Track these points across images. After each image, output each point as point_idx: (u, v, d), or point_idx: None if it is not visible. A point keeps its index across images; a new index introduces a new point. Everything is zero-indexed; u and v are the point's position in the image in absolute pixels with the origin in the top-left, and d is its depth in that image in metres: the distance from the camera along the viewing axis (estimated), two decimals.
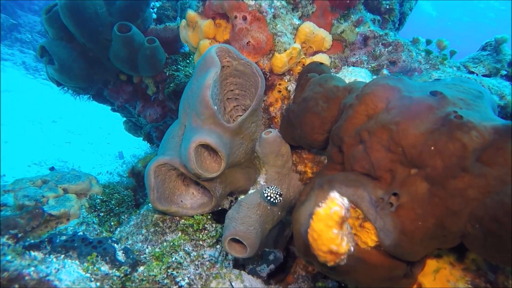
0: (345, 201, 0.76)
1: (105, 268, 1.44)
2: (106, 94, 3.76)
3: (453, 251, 1.03)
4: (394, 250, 0.90)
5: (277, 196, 1.40)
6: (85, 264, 1.41)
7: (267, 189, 1.42)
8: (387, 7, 2.03)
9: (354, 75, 1.63)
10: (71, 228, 2.22)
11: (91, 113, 12.17)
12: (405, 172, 0.92)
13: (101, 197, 2.71)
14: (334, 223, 0.74)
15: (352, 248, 0.79)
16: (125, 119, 4.73)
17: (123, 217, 2.40)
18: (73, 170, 3.12)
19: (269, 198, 1.40)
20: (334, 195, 0.75)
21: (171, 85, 3.48)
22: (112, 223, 2.31)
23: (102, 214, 2.58)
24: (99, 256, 1.45)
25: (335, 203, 0.75)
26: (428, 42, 1.92)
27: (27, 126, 10.73)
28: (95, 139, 11.48)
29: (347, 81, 1.43)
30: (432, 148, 0.84)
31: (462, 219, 0.82)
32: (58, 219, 2.45)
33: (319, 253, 0.79)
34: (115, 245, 1.59)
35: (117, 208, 2.67)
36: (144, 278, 1.49)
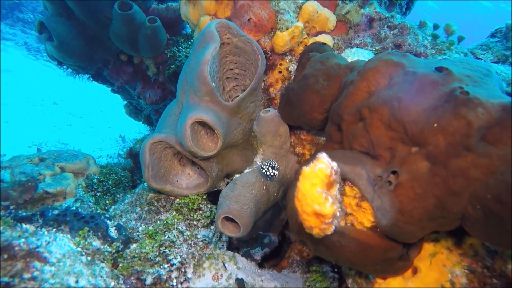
0: (334, 164, 0.73)
1: (96, 243, 1.42)
2: (106, 74, 3.71)
3: (451, 236, 1.00)
4: (391, 231, 0.87)
5: (274, 170, 1.36)
6: (77, 238, 1.39)
7: (264, 163, 1.38)
8: None
9: (357, 55, 1.58)
10: (66, 205, 2.20)
11: (92, 96, 12.12)
12: (405, 150, 0.88)
13: (98, 177, 2.70)
14: (319, 181, 0.71)
15: (338, 213, 0.76)
16: (126, 102, 4.68)
17: (118, 196, 2.39)
18: (78, 151, 3.10)
19: (265, 171, 1.36)
20: (322, 155, 0.72)
21: (172, 66, 3.42)
22: (107, 201, 2.30)
23: (99, 194, 2.57)
24: (91, 231, 1.43)
25: (321, 161, 0.71)
26: (436, 26, 1.85)
27: (28, 107, 10.69)
28: (96, 123, 11.45)
29: (349, 60, 1.38)
30: (435, 125, 0.80)
31: (463, 200, 0.78)
32: (55, 197, 2.43)
33: (304, 217, 0.76)
34: (108, 221, 1.57)
35: (114, 188, 2.66)
36: (136, 255, 1.48)
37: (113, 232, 1.53)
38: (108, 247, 1.44)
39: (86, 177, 2.75)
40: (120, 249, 1.49)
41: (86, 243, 1.38)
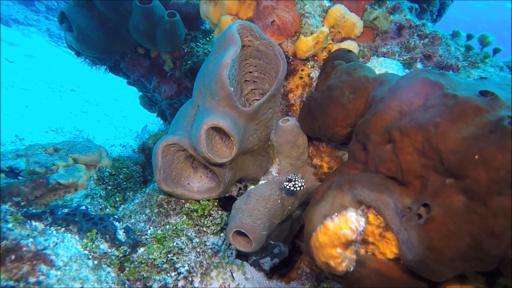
0: (361, 223, 0.67)
1: (104, 246, 1.39)
2: (123, 66, 3.69)
3: (482, 274, 0.92)
4: (417, 267, 0.79)
5: (302, 183, 1.30)
6: (85, 240, 1.37)
7: (292, 181, 1.31)
8: None
9: (385, 66, 1.49)
10: (77, 200, 2.19)
11: (108, 85, 12.25)
12: (439, 181, 0.80)
13: (110, 170, 2.69)
14: (339, 243, 0.66)
15: (352, 269, 0.70)
16: (141, 93, 4.69)
17: (128, 193, 2.37)
18: (87, 141, 3.10)
19: (290, 188, 1.30)
20: (351, 215, 0.66)
21: (189, 62, 3.38)
22: (117, 199, 2.28)
23: (109, 187, 2.56)
24: (99, 234, 1.40)
25: (348, 226, 0.66)
26: (470, 36, 1.74)
27: (47, 92, 10.88)
28: (111, 111, 11.57)
29: (377, 72, 1.30)
30: (476, 157, 0.72)
31: (504, 242, 0.70)
32: (66, 188, 2.44)
33: (316, 258, 0.71)
34: (117, 223, 1.54)
35: (124, 182, 2.64)
36: (143, 261, 1.44)
37: (121, 235, 1.50)
38: (115, 250, 1.41)
39: (98, 170, 2.75)
40: (127, 253, 1.46)
41: (94, 246, 1.35)
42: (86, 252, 1.31)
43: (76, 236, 1.38)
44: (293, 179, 1.30)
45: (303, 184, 1.31)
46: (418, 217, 0.80)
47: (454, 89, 0.85)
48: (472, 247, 0.73)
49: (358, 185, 0.89)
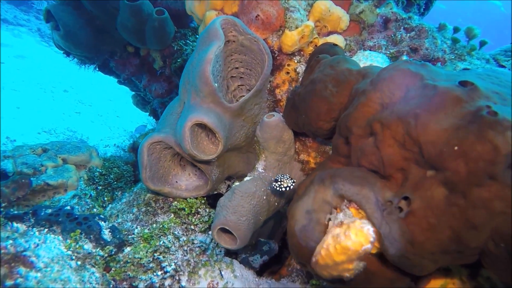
0: (374, 234, 0.67)
1: (88, 246, 1.36)
2: (113, 65, 3.65)
3: (465, 266, 0.91)
4: (399, 261, 0.78)
5: (289, 185, 1.28)
6: (68, 241, 1.34)
7: (283, 181, 1.29)
8: None
9: (370, 59, 1.48)
10: (65, 201, 2.16)
11: (102, 85, 12.15)
12: (419, 174, 0.79)
13: (100, 170, 2.66)
14: (358, 257, 0.65)
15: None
16: (133, 93, 4.65)
17: (117, 193, 2.34)
18: (80, 141, 3.06)
19: (276, 187, 1.28)
20: (369, 229, 0.65)
21: (179, 60, 3.34)
22: (105, 198, 2.25)
23: (100, 187, 2.53)
24: (83, 234, 1.38)
25: (368, 241, 0.65)
26: (456, 29, 1.73)
27: (39, 93, 10.76)
28: (104, 111, 11.48)
29: (361, 65, 1.28)
30: (456, 148, 0.71)
31: (484, 234, 0.69)
32: (56, 189, 2.41)
33: (323, 273, 0.70)
34: (102, 223, 1.52)
35: (115, 182, 2.61)
36: (129, 260, 1.42)
37: (106, 234, 1.48)
38: (100, 250, 1.38)
39: (88, 170, 2.72)
40: (113, 252, 1.44)
41: (77, 246, 1.33)
42: (70, 252, 1.29)
43: (60, 237, 1.35)
44: (279, 179, 1.29)
45: (290, 184, 1.29)
46: (399, 210, 0.78)
47: (434, 79, 0.84)
48: (452, 240, 0.72)
49: (339, 179, 0.87)
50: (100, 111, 11.64)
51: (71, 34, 3.10)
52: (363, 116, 0.94)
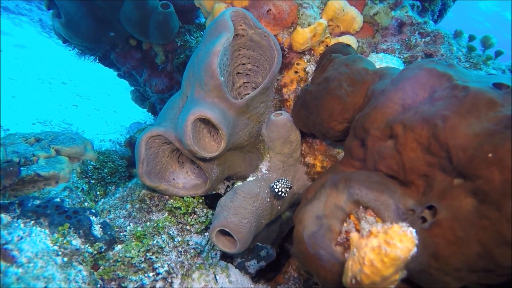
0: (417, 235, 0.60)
1: (77, 242, 1.28)
2: (113, 58, 3.57)
3: (487, 287, 0.84)
4: (419, 277, 0.71)
5: (287, 189, 1.22)
6: (55, 235, 1.25)
7: (277, 183, 1.24)
8: None
9: (385, 62, 1.42)
10: (55, 193, 2.07)
11: (101, 79, 12.04)
12: (445, 181, 0.72)
13: (94, 164, 2.57)
14: (405, 264, 0.58)
15: None
16: (132, 88, 4.57)
17: (110, 187, 2.25)
18: (75, 134, 2.98)
19: (278, 191, 1.22)
20: (412, 232, 0.58)
21: (181, 56, 3.28)
22: (98, 193, 2.16)
23: (93, 181, 2.44)
24: (72, 228, 1.29)
25: (414, 244, 0.58)
26: (472, 38, 1.68)
27: (37, 84, 10.63)
28: (102, 106, 11.36)
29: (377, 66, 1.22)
30: (490, 155, 0.64)
31: None
32: (47, 181, 2.32)
33: (358, 282, 0.63)
34: (93, 217, 1.43)
35: (109, 177, 2.53)
36: (119, 259, 1.34)
37: (97, 230, 1.39)
38: (89, 247, 1.30)
39: (81, 163, 2.63)
40: (103, 250, 1.35)
41: (65, 241, 1.24)
42: (56, 248, 1.20)
43: (47, 230, 1.26)
44: (279, 181, 1.23)
45: (284, 190, 1.24)
46: (422, 220, 0.71)
47: (464, 80, 0.77)
48: (481, 256, 0.65)
49: (355, 184, 0.80)
50: (98, 105, 11.52)
51: (72, 22, 3.02)
52: (382, 117, 0.87)
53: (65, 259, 1.20)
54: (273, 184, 1.24)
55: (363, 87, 1.08)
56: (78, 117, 10.07)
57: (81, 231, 1.30)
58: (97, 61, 3.68)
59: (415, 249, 0.60)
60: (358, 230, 0.77)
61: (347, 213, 0.84)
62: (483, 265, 0.65)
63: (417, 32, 1.62)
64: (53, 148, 2.57)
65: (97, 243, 1.33)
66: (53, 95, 10.66)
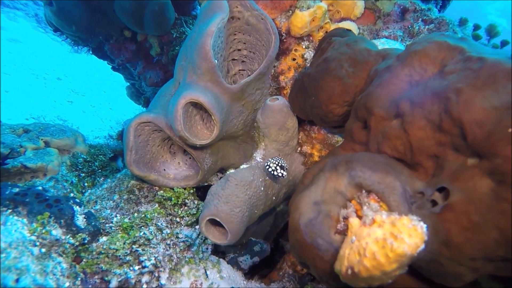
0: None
1: (57, 232, 1.19)
2: (107, 49, 3.48)
3: (499, 279, 0.76)
4: (428, 267, 0.64)
5: (282, 171, 1.14)
6: (34, 224, 1.17)
7: (271, 160, 1.15)
8: None
9: (388, 46, 1.35)
10: (40, 183, 1.98)
11: (97, 75, 11.92)
12: (458, 161, 0.65)
13: (84, 157, 2.49)
14: (410, 261, 0.51)
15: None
16: (128, 84, 4.49)
17: (99, 179, 2.16)
18: (67, 126, 2.88)
19: (272, 170, 1.14)
20: (423, 228, 0.51)
21: (177, 48, 3.19)
22: (85, 184, 2.08)
23: (83, 174, 2.36)
24: (53, 218, 1.21)
25: (423, 240, 0.51)
26: (477, 27, 1.62)
27: (31, 79, 10.50)
28: (97, 102, 11.24)
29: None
30: (510, 130, 0.57)
31: None
32: (34, 173, 2.23)
33: (360, 284, 0.55)
34: (77, 207, 1.35)
35: (100, 170, 2.44)
36: (102, 251, 1.25)
37: (80, 220, 1.31)
38: (71, 238, 1.21)
39: (72, 155, 2.55)
40: (86, 241, 1.27)
41: (44, 231, 1.15)
42: (33, 238, 1.11)
43: (25, 219, 1.18)
44: (273, 162, 1.15)
45: (283, 164, 1.15)
46: (432, 204, 0.64)
47: (479, 53, 0.70)
48: (500, 243, 0.58)
49: (357, 165, 0.73)
50: (93, 102, 11.39)
51: (64, 11, 2.93)
52: (387, 95, 0.80)
53: (43, 250, 1.11)
54: (267, 163, 1.16)
55: (365, 68, 1.01)
56: (73, 113, 9.94)
57: (62, 221, 1.22)
58: (91, 52, 3.59)
59: (423, 246, 0.53)
60: (359, 217, 0.70)
61: (348, 198, 0.76)
62: (502, 254, 0.58)
63: (420, 19, 1.55)
64: (42, 139, 2.48)
65: (80, 234, 1.25)
66: (48, 91, 10.53)
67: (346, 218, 0.73)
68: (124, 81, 4.47)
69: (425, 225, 0.57)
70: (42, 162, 2.27)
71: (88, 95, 11.59)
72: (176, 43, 3.20)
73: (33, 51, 11.63)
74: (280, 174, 1.14)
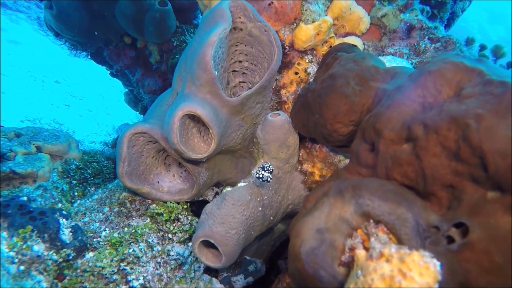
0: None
1: (39, 247, 1.12)
2: (106, 55, 3.44)
3: None
4: None
5: (268, 174, 1.06)
6: (14, 239, 1.09)
7: (258, 167, 1.09)
8: None
9: (394, 63, 1.31)
10: (27, 191, 1.91)
11: (96, 80, 11.89)
12: (477, 194, 0.59)
13: (77, 163, 2.42)
14: None
15: None
16: (126, 90, 4.45)
17: (90, 188, 2.09)
18: (61, 131, 2.81)
19: (257, 175, 1.06)
20: (436, 266, 0.45)
21: (177, 56, 3.16)
22: (76, 193, 2.00)
23: (74, 182, 2.28)
24: (36, 231, 1.13)
25: (436, 280, 0.45)
26: (483, 47, 1.59)
27: (29, 81, 10.45)
28: (95, 107, 11.19)
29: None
30: None
31: None
32: (23, 179, 2.16)
33: None
34: (63, 220, 1.27)
35: (92, 178, 2.37)
36: (88, 268, 1.18)
37: (66, 234, 1.24)
38: (54, 254, 1.14)
39: (64, 162, 2.47)
40: (70, 257, 1.19)
41: (25, 246, 1.08)
42: (12, 254, 1.04)
43: (5, 233, 1.10)
44: (264, 168, 1.08)
45: (268, 168, 1.08)
46: (448, 240, 0.58)
47: (499, 76, 0.65)
48: None
49: (365, 192, 0.67)
50: (91, 106, 11.34)
51: (64, 14, 2.89)
52: (398, 117, 0.75)
53: (22, 267, 1.03)
54: (255, 171, 1.09)
55: (372, 86, 0.96)
56: (69, 117, 9.88)
57: (46, 235, 1.14)
58: (89, 57, 3.55)
59: (436, 286, 0.47)
60: (366, 248, 0.64)
61: (354, 227, 0.70)
62: None
63: (426, 37, 1.52)
64: (33, 144, 2.41)
65: (64, 250, 1.17)
66: (45, 94, 10.48)
67: (352, 249, 0.66)
68: (122, 87, 4.44)
69: (438, 263, 0.51)
70: (32, 168, 2.20)
71: (85, 99, 11.54)
72: (176, 51, 3.17)
73: (33, 53, 11.61)
74: (261, 176, 1.06)
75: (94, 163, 2.47)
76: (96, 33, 3.19)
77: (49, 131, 2.64)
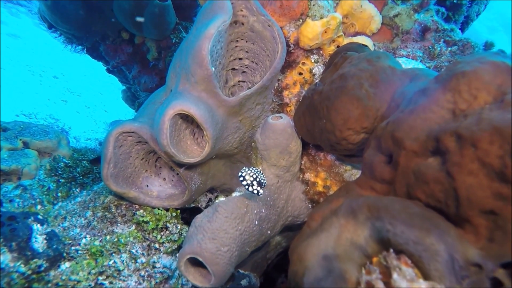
0: None
1: (5, 258, 0.99)
2: (103, 50, 3.32)
3: None
4: None
5: (259, 188, 0.91)
6: None
7: (246, 170, 0.92)
8: (455, 1, 1.59)
9: (410, 66, 1.20)
10: (5, 191, 1.78)
11: (95, 76, 11.77)
12: None
13: (66, 161, 2.30)
14: None
15: None
16: (124, 87, 4.34)
17: (75, 189, 1.96)
18: (51, 127, 2.69)
19: (246, 185, 0.91)
20: None
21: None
22: (59, 194, 1.87)
23: (62, 180, 2.16)
24: (1, 240, 1.01)
25: None
26: (502, 52, 1.47)
27: (27, 75, 10.32)
28: (93, 104, 11.08)
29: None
30: None
31: None
32: (7, 176, 2.04)
33: None
34: (37, 225, 1.15)
35: (81, 177, 2.25)
36: (60, 283, 1.05)
37: (39, 242, 1.11)
38: (22, 265, 1.01)
39: (53, 159, 2.35)
40: (42, 268, 1.07)
41: None
42: None
43: None
44: (252, 174, 0.93)
45: (261, 180, 0.93)
46: (493, 283, 0.46)
47: None
48: None
49: (385, 215, 0.55)
50: (88, 103, 11.23)
51: (59, 6, 2.77)
52: (422, 125, 0.63)
53: None
54: (241, 173, 0.92)
55: (388, 89, 0.84)
56: (66, 113, 9.76)
57: (13, 244, 1.02)
58: (85, 51, 3.43)
59: None
60: (386, 284, 0.52)
61: (368, 255, 0.58)
62: None
63: (442, 39, 1.41)
64: (20, 139, 2.29)
65: (35, 260, 1.05)
66: (43, 88, 10.36)
67: (369, 285, 0.54)
68: (120, 85, 4.34)
69: None
70: (17, 165, 2.08)
71: (83, 96, 11.42)
72: (175, 48, 3.05)
73: (32, 48, 11.47)
74: (255, 192, 0.92)
75: (84, 162, 2.35)
76: (92, 27, 3.07)
77: (38, 127, 2.52)
